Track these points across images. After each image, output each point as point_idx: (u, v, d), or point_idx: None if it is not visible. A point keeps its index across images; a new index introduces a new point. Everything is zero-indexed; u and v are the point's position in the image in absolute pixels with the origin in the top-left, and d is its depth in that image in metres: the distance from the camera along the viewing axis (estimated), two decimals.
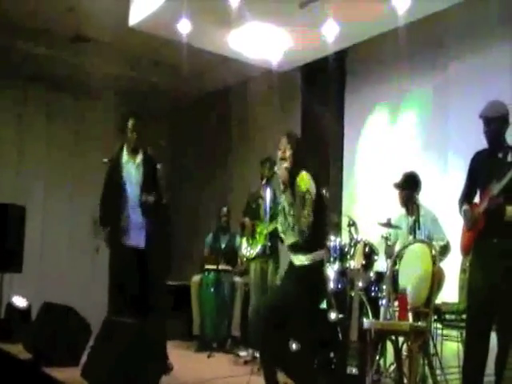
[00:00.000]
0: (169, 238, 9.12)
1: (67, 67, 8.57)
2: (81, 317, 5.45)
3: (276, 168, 4.46)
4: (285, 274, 4.50)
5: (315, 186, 4.22)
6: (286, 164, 4.32)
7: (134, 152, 5.33)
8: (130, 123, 5.31)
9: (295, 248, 4.27)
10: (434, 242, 5.08)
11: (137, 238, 5.23)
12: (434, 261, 4.50)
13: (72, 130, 9.76)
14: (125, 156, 5.34)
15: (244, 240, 6.68)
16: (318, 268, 4.24)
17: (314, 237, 4.18)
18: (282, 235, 4.44)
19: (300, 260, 4.23)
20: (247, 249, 6.57)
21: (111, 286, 5.23)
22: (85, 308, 5.78)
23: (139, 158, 5.31)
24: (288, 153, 4.34)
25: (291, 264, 4.33)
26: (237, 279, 7.32)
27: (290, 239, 4.30)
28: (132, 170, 5.31)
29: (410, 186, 5.58)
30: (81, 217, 9.10)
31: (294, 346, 5.10)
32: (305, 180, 4.19)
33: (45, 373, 4.71)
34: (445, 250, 5.32)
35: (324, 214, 4.39)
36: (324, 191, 4.48)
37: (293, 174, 4.27)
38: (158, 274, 5.35)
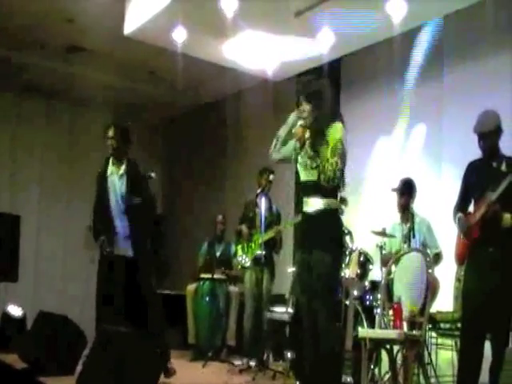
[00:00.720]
0: (160, 244, 9.13)
1: (63, 77, 8.58)
2: (76, 326, 5.43)
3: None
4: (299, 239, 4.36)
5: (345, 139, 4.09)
6: (301, 122, 4.20)
7: (118, 162, 5.36)
8: (109, 132, 5.34)
9: (311, 188, 4.10)
10: (427, 250, 5.12)
11: (124, 248, 5.25)
12: (429, 269, 4.51)
13: (67, 139, 9.77)
14: (110, 167, 5.38)
15: (239, 248, 6.67)
16: (334, 213, 4.09)
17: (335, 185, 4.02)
18: (300, 171, 4.23)
19: (313, 205, 4.06)
20: (242, 256, 6.56)
21: (99, 295, 5.23)
22: (80, 317, 5.77)
23: (123, 168, 5.34)
24: (307, 108, 4.19)
25: (304, 215, 4.13)
26: (232, 288, 7.31)
27: (308, 177, 4.13)
28: (116, 180, 5.33)
29: (408, 190, 5.61)
30: (76, 226, 9.09)
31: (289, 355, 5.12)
32: (338, 130, 4.09)
33: (40, 382, 4.70)
34: (437, 258, 5.37)
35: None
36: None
37: (325, 124, 4.13)
38: (149, 282, 5.34)
